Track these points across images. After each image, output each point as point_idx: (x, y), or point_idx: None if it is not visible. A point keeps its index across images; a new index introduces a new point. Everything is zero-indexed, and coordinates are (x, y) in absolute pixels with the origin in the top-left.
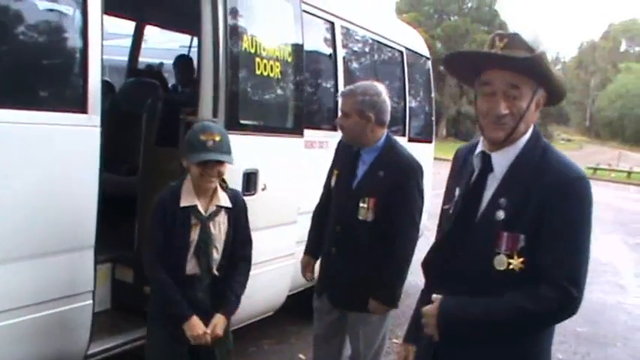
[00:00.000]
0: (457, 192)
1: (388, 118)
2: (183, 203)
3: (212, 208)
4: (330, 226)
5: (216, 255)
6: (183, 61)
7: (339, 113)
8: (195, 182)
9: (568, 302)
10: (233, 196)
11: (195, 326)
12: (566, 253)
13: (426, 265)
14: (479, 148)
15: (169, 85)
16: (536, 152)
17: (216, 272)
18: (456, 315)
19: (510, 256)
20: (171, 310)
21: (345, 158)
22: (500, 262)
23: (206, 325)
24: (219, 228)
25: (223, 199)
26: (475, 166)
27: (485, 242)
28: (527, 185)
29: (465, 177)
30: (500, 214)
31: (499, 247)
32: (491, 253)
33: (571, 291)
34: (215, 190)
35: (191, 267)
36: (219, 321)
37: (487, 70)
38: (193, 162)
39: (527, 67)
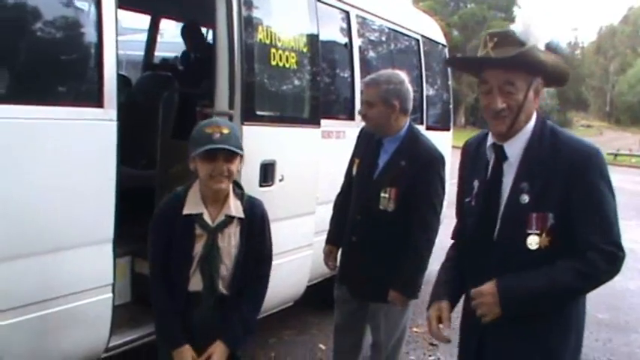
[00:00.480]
0: (476, 184)
1: (411, 106)
2: (187, 211)
3: (221, 218)
4: (351, 215)
5: (225, 271)
6: (189, 29)
7: (362, 103)
8: (204, 185)
9: (614, 262)
10: (249, 205)
11: (185, 357)
12: (600, 221)
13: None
14: (490, 140)
15: (179, 55)
16: (546, 134)
17: (224, 290)
18: (517, 288)
19: (540, 235)
20: (162, 334)
21: (366, 147)
22: (533, 241)
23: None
24: (229, 241)
25: (235, 208)
26: (489, 158)
27: (515, 226)
28: (544, 166)
29: (481, 169)
30: (525, 198)
31: (530, 228)
32: (523, 235)
33: (614, 252)
34: (226, 197)
35: (194, 283)
36: (215, 350)
37: (484, 70)
38: (198, 155)
39: (515, 64)
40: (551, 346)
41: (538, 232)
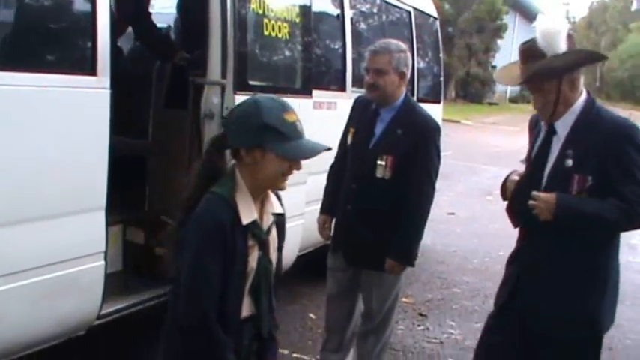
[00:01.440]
0: (533, 152)
1: None
2: (246, 220)
3: (269, 220)
4: (346, 184)
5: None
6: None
7: (369, 71)
8: (265, 183)
9: None
10: (275, 193)
11: None
12: (633, 183)
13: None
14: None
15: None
16: (592, 112)
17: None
18: (571, 206)
19: (580, 194)
20: None
21: (362, 116)
22: None
23: None
24: (273, 246)
25: (275, 203)
26: (542, 131)
27: (559, 186)
28: (587, 139)
29: (537, 138)
30: (569, 162)
31: (571, 187)
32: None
33: None
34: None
35: (245, 307)
36: None
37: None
38: (289, 156)
39: (533, 80)
40: (578, 285)
41: (578, 191)
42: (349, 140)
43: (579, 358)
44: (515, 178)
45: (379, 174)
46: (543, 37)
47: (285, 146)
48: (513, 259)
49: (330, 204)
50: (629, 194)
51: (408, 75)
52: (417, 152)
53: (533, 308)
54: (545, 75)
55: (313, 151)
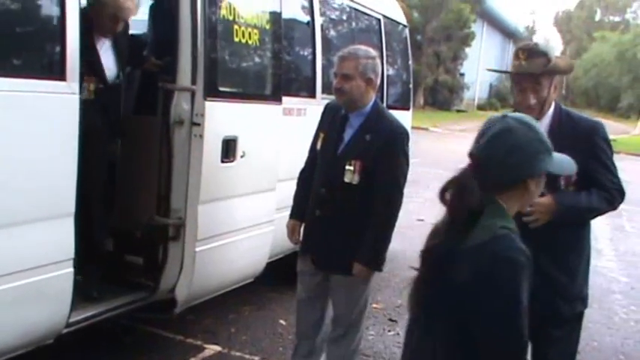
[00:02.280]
0: None
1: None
2: None
3: None
4: (315, 189)
5: None
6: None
7: (336, 76)
8: (524, 208)
9: (622, 195)
10: None
11: None
12: (608, 172)
13: None
14: None
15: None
16: (563, 114)
17: None
18: (568, 204)
19: (567, 189)
20: None
21: (332, 122)
22: None
23: None
24: None
25: None
26: None
27: (549, 184)
28: (566, 137)
29: None
30: None
31: (559, 183)
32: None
33: (622, 192)
34: None
35: None
36: None
37: (520, 77)
38: (556, 171)
39: (546, 73)
40: (570, 265)
41: (565, 185)
42: (319, 145)
43: (575, 331)
44: None
45: (347, 179)
46: (545, 39)
47: (553, 161)
48: None
49: (300, 209)
50: (608, 183)
51: (377, 81)
52: (385, 157)
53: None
54: (555, 71)
55: (570, 163)
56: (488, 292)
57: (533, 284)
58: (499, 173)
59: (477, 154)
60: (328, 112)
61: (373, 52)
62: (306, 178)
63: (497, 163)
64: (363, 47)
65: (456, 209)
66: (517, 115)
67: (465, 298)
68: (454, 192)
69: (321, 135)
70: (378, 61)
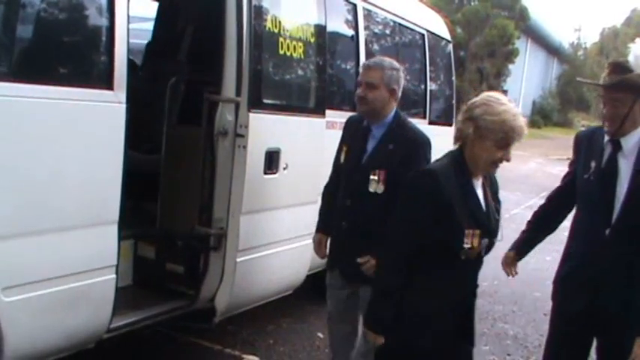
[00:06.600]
0: (593, 164)
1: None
2: None
3: None
4: (340, 201)
5: None
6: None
7: (360, 85)
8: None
9: None
10: None
11: None
12: None
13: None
14: (607, 137)
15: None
16: None
17: None
18: None
19: None
20: None
21: (355, 134)
22: None
23: None
24: None
25: None
26: (606, 147)
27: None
28: None
29: (597, 154)
30: None
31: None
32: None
33: None
34: None
35: None
36: None
37: (601, 89)
38: None
39: (617, 87)
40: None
41: None
42: (342, 158)
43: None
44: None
45: (372, 188)
46: (636, 58)
47: None
48: (580, 268)
49: (325, 223)
50: None
51: (399, 93)
52: (408, 166)
53: (614, 307)
54: (626, 86)
55: None
56: None
57: (611, 299)
58: None
59: None
60: (350, 125)
61: (397, 64)
62: (330, 192)
63: None
64: (387, 59)
65: None
66: None
67: None
68: None
69: (344, 148)
70: (402, 73)
